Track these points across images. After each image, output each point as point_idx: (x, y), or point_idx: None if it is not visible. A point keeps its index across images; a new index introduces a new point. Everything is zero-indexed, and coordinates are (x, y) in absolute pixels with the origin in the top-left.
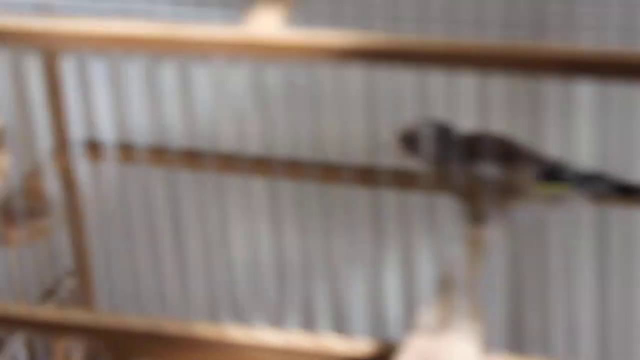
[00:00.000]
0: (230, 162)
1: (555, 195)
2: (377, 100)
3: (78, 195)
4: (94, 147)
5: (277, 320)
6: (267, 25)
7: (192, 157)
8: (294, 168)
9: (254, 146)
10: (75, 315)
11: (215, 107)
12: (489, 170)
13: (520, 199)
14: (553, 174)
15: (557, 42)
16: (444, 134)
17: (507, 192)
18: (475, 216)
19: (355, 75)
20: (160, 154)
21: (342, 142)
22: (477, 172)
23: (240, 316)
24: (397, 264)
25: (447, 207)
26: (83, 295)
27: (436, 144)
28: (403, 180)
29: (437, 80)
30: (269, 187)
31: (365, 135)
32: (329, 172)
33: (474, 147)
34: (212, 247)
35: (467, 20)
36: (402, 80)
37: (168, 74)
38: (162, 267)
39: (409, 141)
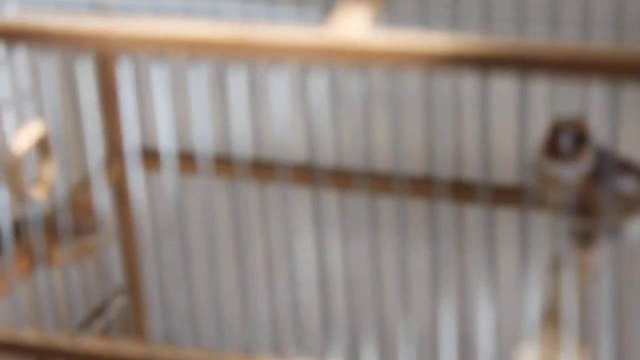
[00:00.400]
0: (302, 175)
1: None
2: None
3: (131, 209)
4: (150, 157)
5: (346, 348)
6: (352, 27)
7: (260, 169)
8: (367, 180)
9: (326, 157)
10: (124, 347)
11: (289, 116)
12: (629, 184)
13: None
14: None
15: None
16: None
17: (634, 208)
18: (589, 237)
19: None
20: (224, 165)
21: (427, 154)
22: (618, 186)
23: (305, 343)
24: (486, 289)
25: (539, 224)
26: (134, 316)
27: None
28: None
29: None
30: (340, 200)
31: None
32: (413, 185)
33: (615, 159)
34: (276, 266)
35: (570, 20)
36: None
37: (237, 80)
38: (221, 287)
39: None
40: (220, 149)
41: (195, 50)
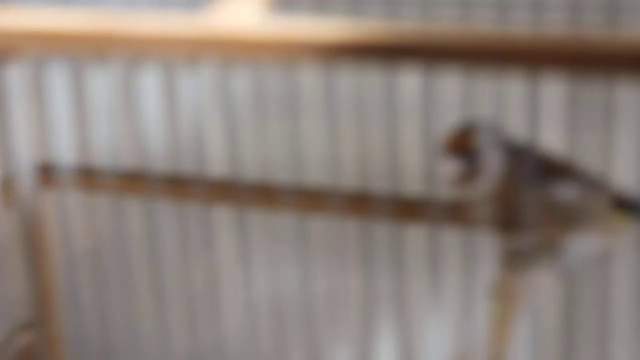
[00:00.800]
0: (221, 190)
1: (623, 227)
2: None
3: (30, 231)
4: (48, 173)
5: None
6: (239, 14)
7: (175, 184)
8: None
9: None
10: None
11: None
12: (568, 192)
13: (590, 229)
14: (624, 202)
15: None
16: (507, 143)
17: (581, 220)
18: (516, 257)
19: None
20: (134, 180)
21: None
22: (553, 194)
23: None
24: (429, 315)
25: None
26: (45, 353)
27: (502, 154)
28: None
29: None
30: (265, 219)
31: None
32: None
33: (548, 162)
34: (199, 292)
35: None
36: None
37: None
38: (138, 317)
39: (462, 146)
40: (130, 162)
41: (50, 44)
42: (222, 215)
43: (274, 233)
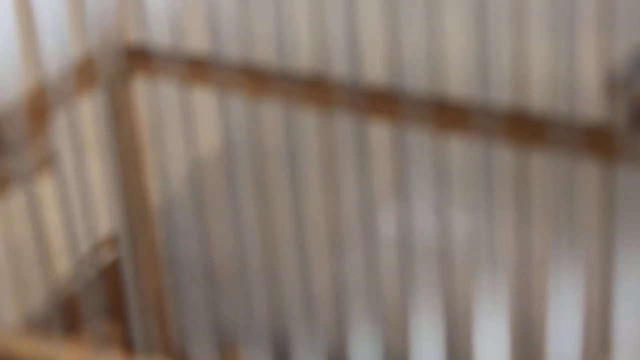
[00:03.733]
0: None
1: None
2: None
3: (133, 127)
4: (146, 58)
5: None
6: None
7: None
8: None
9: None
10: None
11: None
12: None
13: None
14: None
15: None
16: None
17: None
18: None
19: None
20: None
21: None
22: None
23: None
24: None
25: None
26: (130, 270)
27: None
28: None
29: None
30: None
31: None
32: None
33: None
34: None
35: None
36: None
37: None
38: (250, 241)
39: None
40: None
41: None
42: (379, 133)
43: (443, 162)
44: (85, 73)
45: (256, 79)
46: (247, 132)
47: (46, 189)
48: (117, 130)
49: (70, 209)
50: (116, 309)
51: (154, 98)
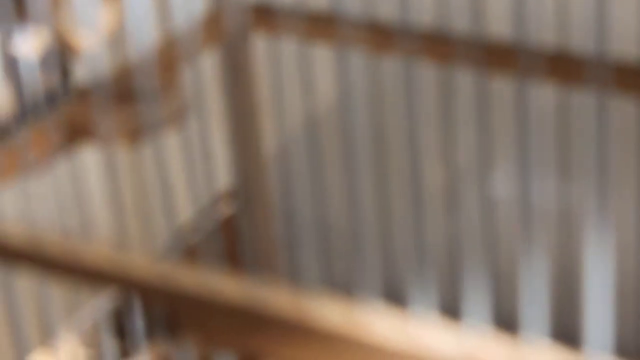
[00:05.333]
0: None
1: None
2: None
3: (247, 82)
4: (268, 14)
5: None
6: None
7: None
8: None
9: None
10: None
11: None
12: None
13: None
14: None
15: None
16: None
17: None
18: None
19: None
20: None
21: None
22: None
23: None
24: None
25: None
26: (247, 223)
27: None
28: None
29: None
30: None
31: None
32: None
33: None
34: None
35: None
36: None
37: None
38: (363, 198)
39: None
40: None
41: None
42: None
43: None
44: (211, 29)
45: (378, 35)
46: (366, 87)
47: (173, 140)
48: (236, 86)
49: (193, 163)
50: (233, 263)
51: (274, 54)
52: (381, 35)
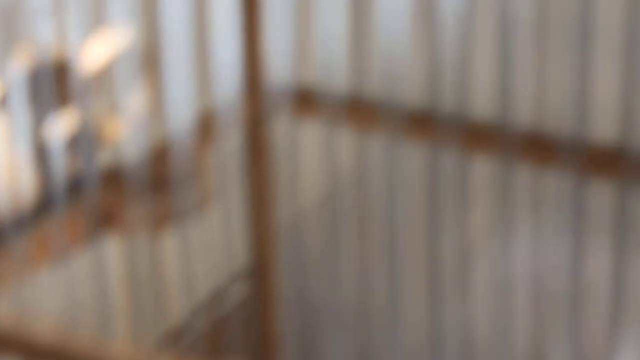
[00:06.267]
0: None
1: None
2: None
3: (269, 166)
4: (304, 98)
5: None
6: None
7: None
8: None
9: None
10: None
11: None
12: None
13: None
14: None
15: None
16: None
17: None
18: None
19: None
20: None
21: None
22: None
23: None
24: None
25: None
26: (260, 306)
27: None
28: None
29: None
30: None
31: None
32: None
33: None
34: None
35: None
36: None
37: None
38: (371, 277)
39: None
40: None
41: None
42: (483, 168)
43: (545, 196)
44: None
45: (365, 113)
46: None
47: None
48: (248, 171)
49: (212, 247)
50: (244, 346)
51: (284, 136)
52: (368, 113)
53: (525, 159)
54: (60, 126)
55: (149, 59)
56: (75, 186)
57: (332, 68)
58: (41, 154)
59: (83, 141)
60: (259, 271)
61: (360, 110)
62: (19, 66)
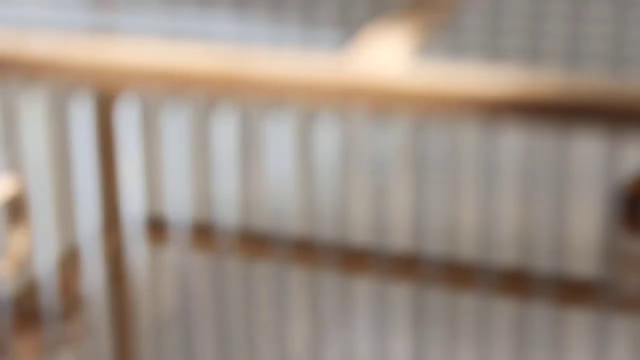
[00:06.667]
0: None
1: None
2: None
3: (129, 290)
4: (157, 228)
5: None
6: (382, 58)
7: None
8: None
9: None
10: None
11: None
12: None
13: None
14: None
15: None
16: None
17: None
18: None
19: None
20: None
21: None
22: None
23: None
24: None
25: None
26: None
27: None
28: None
29: None
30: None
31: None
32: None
33: None
34: None
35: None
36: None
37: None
38: None
39: None
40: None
41: (166, 83)
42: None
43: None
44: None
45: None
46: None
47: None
48: (111, 296)
49: None
50: None
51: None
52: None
53: (403, 280)
54: None
55: (17, 205)
56: None
57: (181, 200)
58: None
59: None
60: None
61: (211, 236)
62: None
